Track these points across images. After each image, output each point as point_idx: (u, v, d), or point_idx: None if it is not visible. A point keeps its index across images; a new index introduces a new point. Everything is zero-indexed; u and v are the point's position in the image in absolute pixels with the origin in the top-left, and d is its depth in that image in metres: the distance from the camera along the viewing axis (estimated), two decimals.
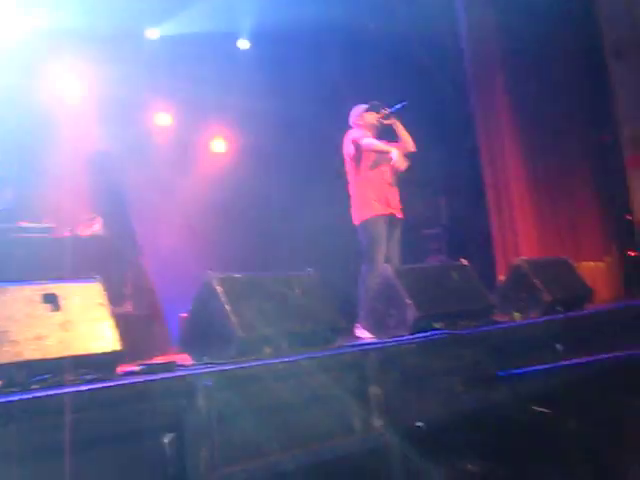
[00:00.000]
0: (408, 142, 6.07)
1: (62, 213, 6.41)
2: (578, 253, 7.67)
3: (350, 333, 5.03)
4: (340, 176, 6.20)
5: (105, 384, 2.42)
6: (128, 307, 6.08)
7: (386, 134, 6.19)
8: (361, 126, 6.12)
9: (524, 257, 5.42)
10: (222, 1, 7.92)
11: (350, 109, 6.33)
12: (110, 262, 5.83)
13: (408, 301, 3.95)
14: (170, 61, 7.99)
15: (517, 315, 4.80)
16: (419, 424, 3.06)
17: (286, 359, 2.93)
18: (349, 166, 6.06)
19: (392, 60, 8.50)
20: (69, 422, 2.11)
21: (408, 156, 6.10)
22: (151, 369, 2.95)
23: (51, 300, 2.71)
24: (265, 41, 8.68)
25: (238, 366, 2.78)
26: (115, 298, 3.18)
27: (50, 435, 2.10)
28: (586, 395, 3.68)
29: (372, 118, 6.11)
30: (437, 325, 3.96)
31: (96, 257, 5.75)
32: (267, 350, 3.20)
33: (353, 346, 3.49)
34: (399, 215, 6.02)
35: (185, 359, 3.41)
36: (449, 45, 8.61)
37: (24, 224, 5.63)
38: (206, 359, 3.22)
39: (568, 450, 3.61)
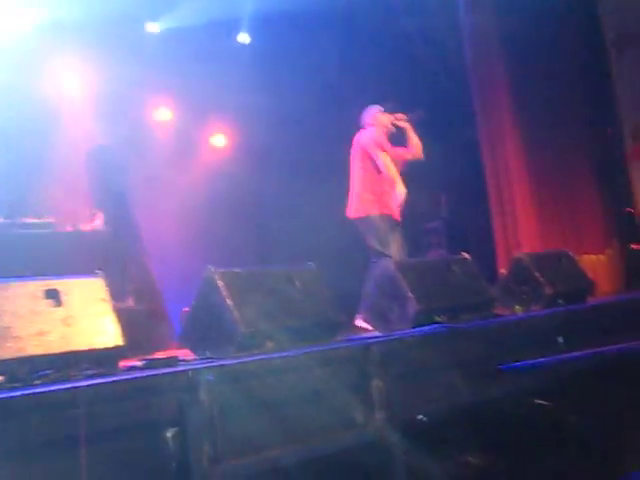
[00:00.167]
0: (417, 149, 6.11)
1: (63, 209, 6.43)
2: (580, 246, 7.69)
3: (351, 326, 5.04)
4: (340, 171, 6.20)
5: (107, 379, 2.43)
6: (130, 302, 6.10)
7: (396, 138, 6.20)
8: (375, 127, 6.12)
9: (525, 250, 5.43)
10: None
11: (351, 105, 6.35)
12: (112, 257, 5.85)
13: (409, 295, 3.95)
14: (170, 56, 7.98)
15: (518, 308, 4.81)
16: (420, 417, 3.06)
17: (287, 354, 2.94)
18: (359, 162, 6.04)
19: (393, 57, 8.50)
20: (71, 417, 2.11)
21: (414, 161, 6.14)
22: (153, 364, 2.96)
23: (53, 295, 2.71)
24: (265, 36, 8.67)
25: (240, 361, 2.79)
26: (117, 293, 3.19)
27: (52, 430, 2.10)
28: (587, 388, 3.68)
29: (385, 120, 6.11)
30: (438, 319, 3.96)
31: (97, 252, 5.77)
32: (269, 345, 3.21)
33: (354, 340, 3.50)
34: (399, 219, 6.05)
35: (187, 354, 3.42)
36: (450, 41, 8.59)
37: (26, 220, 5.64)
38: (208, 354, 3.23)
39: (569, 443, 3.61)
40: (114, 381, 2.39)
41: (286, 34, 8.30)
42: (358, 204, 6.01)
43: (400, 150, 6.15)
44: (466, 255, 4.62)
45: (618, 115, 8.05)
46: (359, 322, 5.15)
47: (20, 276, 2.75)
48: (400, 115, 6.09)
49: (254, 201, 8.78)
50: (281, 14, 7.99)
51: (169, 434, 2.35)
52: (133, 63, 7.48)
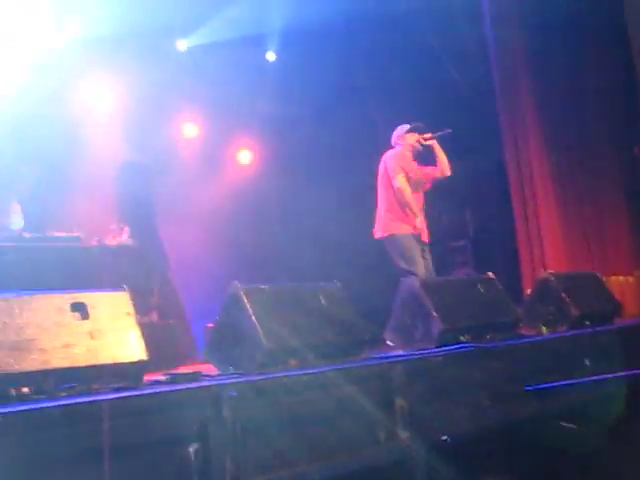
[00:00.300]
0: (445, 166, 6.10)
1: (91, 223, 6.49)
2: (607, 267, 7.59)
3: (378, 344, 5.02)
4: (368, 189, 6.21)
5: (132, 393, 2.44)
6: (154, 317, 6.13)
7: (424, 157, 6.21)
8: (402, 146, 6.14)
9: (552, 270, 5.38)
10: (251, 11, 7.97)
11: (376, 122, 6.35)
12: (137, 271, 5.89)
13: (434, 314, 3.93)
14: (198, 73, 8.06)
15: (544, 329, 4.76)
16: (445, 438, 3.03)
17: (311, 370, 2.93)
18: (384, 182, 6.05)
19: (419, 74, 8.50)
20: (95, 430, 2.12)
21: (442, 179, 6.15)
22: (177, 379, 2.96)
23: (80, 309, 2.73)
24: (292, 54, 8.73)
25: (263, 377, 2.78)
26: (142, 307, 3.20)
27: (76, 442, 2.11)
28: (614, 411, 3.62)
29: (412, 139, 6.13)
30: (463, 338, 3.93)
31: (123, 266, 5.81)
32: (292, 362, 3.20)
33: (379, 358, 3.48)
34: (427, 241, 6.04)
35: (210, 369, 3.42)
36: (477, 58, 8.58)
37: (54, 234, 5.70)
38: (231, 370, 3.23)
39: (595, 467, 3.56)
40: (138, 395, 2.39)
41: (313, 52, 8.35)
42: (383, 224, 6.01)
43: (427, 169, 6.16)
44: (492, 275, 4.59)
45: None
46: (387, 339, 5.12)
47: (47, 289, 2.77)
48: (427, 135, 6.10)
49: (281, 217, 8.80)
50: (308, 32, 8.05)
51: (191, 449, 2.35)
52: (162, 80, 7.58)
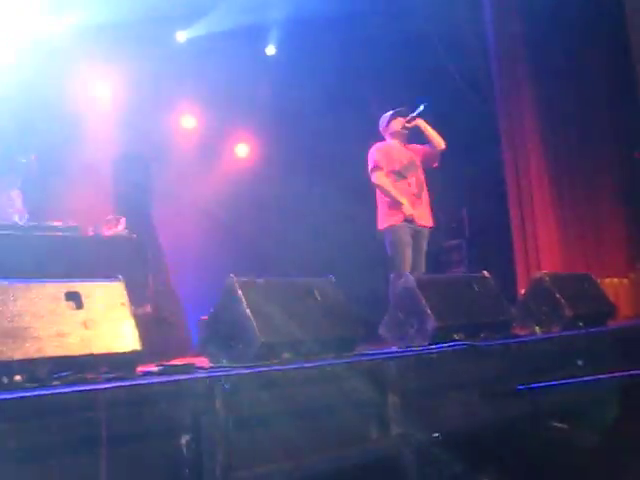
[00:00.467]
0: (437, 141, 6.05)
1: (87, 213, 6.48)
2: (602, 269, 7.61)
3: (371, 339, 5.02)
4: (365, 183, 6.21)
5: (125, 383, 2.44)
6: (148, 308, 6.12)
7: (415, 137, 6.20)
8: (388, 136, 6.13)
9: (546, 271, 5.39)
10: (250, 3, 7.97)
11: (376, 118, 6.34)
12: (133, 262, 5.88)
13: (428, 311, 3.94)
14: (197, 64, 8.05)
15: (538, 329, 4.77)
16: (436, 435, 3.04)
17: (305, 365, 2.94)
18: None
19: (418, 72, 8.49)
20: (88, 419, 2.12)
21: (439, 154, 6.11)
22: (170, 370, 2.96)
23: (74, 298, 2.73)
24: (290, 46, 8.72)
25: (256, 370, 2.79)
26: (136, 299, 3.20)
27: (69, 431, 2.11)
28: (606, 412, 3.64)
29: (398, 125, 6.11)
30: (457, 336, 3.94)
31: (118, 257, 5.80)
32: (286, 356, 3.21)
33: (373, 354, 3.48)
34: (427, 225, 6.01)
35: (204, 362, 3.43)
36: (476, 56, 8.58)
37: (50, 223, 5.69)
38: (225, 362, 3.23)
39: (586, 467, 3.57)
40: (131, 385, 2.39)
41: (312, 45, 8.34)
42: (378, 217, 6.03)
43: (418, 146, 6.14)
44: (486, 274, 4.59)
45: None
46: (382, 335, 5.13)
47: (42, 278, 2.77)
48: (409, 117, 6.07)
49: (277, 210, 8.79)
50: (307, 24, 8.04)
51: (183, 441, 2.35)
52: (162, 71, 7.57)
